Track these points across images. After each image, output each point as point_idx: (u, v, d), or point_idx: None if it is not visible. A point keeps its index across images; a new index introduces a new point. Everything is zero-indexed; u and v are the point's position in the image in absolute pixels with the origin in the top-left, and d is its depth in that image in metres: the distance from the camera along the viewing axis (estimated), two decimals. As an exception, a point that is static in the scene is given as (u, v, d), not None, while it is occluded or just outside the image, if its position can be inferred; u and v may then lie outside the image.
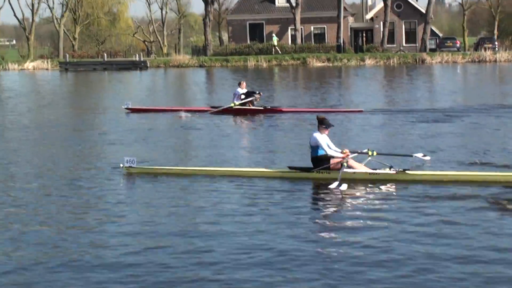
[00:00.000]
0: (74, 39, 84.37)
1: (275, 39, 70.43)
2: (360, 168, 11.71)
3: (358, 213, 9.72)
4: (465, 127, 19.01)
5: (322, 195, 10.93)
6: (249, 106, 22.92)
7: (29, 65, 68.14)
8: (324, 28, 72.85)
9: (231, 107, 22.81)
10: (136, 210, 10.17)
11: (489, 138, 16.51)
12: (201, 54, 69.70)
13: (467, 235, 8.51)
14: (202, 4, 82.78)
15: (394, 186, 11.11)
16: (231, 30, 74.24)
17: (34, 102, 31.87)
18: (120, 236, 8.81)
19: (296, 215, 9.65)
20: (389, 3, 68.74)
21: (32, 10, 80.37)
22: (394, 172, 11.48)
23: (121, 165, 12.53)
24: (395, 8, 70.90)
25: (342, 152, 11.85)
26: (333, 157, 11.68)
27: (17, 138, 18.73)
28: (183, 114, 22.71)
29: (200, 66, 63.05)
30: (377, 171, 11.65)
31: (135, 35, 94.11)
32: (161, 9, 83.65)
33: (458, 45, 65.91)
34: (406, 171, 11.49)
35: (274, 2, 73.84)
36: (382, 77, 44.42)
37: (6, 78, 54.11)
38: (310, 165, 12.02)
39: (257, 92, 23.25)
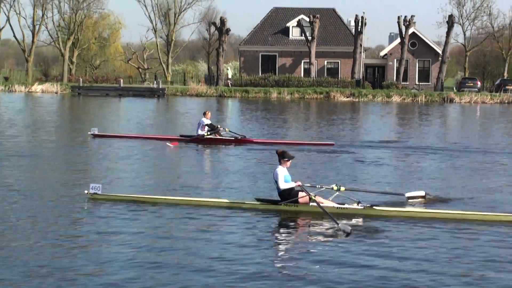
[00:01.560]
0: (72, 63, 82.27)
1: (229, 71, 69.97)
2: (327, 203, 11.65)
3: (320, 248, 9.56)
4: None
5: (288, 228, 10.83)
6: (217, 136, 23.02)
7: (37, 88, 65.76)
8: (338, 62, 72.19)
9: (203, 136, 22.71)
10: (97, 237, 9.93)
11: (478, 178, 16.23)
12: (212, 84, 68.23)
13: (429, 271, 8.49)
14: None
15: (361, 221, 11.07)
16: (243, 60, 73.01)
17: (34, 125, 30.04)
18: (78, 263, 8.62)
19: (259, 246, 9.55)
20: (406, 41, 68.49)
21: (33, 32, 78.18)
22: (362, 207, 11.54)
23: (86, 192, 12.46)
24: (410, 46, 70.63)
25: (295, 182, 11.81)
26: (291, 189, 11.71)
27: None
28: (169, 144, 22.02)
29: (220, 96, 61.49)
30: (345, 206, 11.67)
31: (129, 62, 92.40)
32: (167, 36, 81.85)
33: (478, 85, 65.67)
34: (374, 207, 11.55)
35: (288, 35, 72.97)
36: (439, 118, 43.35)
37: (13, 101, 51.72)
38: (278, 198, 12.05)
39: (218, 126, 23.47)
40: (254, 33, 74.07)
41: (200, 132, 22.83)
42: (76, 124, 31.48)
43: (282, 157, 11.92)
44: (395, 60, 71.77)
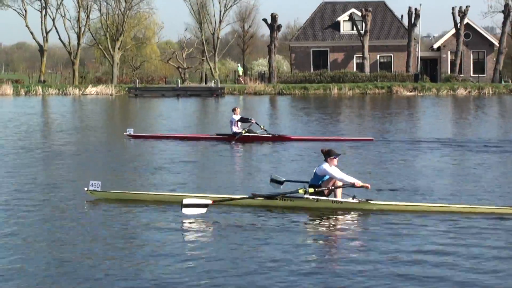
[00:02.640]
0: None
1: (240, 69, 69.22)
2: (323, 198, 11.58)
3: (319, 241, 9.75)
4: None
5: (283, 224, 10.66)
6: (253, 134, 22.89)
7: (91, 90, 65.28)
8: (391, 56, 71.17)
9: (241, 134, 22.46)
10: (96, 234, 10.03)
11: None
12: (264, 81, 67.43)
13: (427, 264, 8.48)
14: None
15: (356, 215, 11.13)
16: (294, 57, 72.17)
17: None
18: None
19: (259, 243, 9.49)
20: (461, 32, 67.40)
21: (78, 34, 77.65)
22: (357, 201, 11.55)
23: (86, 189, 12.51)
24: (464, 38, 69.41)
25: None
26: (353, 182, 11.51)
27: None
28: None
29: (279, 93, 60.71)
30: (340, 199, 11.61)
31: (169, 62, 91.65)
32: (212, 34, 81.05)
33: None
34: (369, 201, 11.56)
35: (339, 29, 72.01)
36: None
37: (80, 103, 51.16)
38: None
39: (250, 118, 23.27)
40: (304, 28, 73.18)
41: (234, 129, 22.64)
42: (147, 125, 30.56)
43: (329, 155, 11.68)
44: (449, 52, 70.65)
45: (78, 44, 77.91)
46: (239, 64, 70.27)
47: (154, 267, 8.40)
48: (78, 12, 77.28)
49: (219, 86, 61.35)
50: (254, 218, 10.98)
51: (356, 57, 70.76)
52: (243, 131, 22.47)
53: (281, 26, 69.53)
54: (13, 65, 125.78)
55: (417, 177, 15.21)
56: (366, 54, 67.46)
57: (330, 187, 11.53)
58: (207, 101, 52.83)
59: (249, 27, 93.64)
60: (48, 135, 26.46)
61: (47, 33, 75.65)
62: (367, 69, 67.17)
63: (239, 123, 22.70)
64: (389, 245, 9.29)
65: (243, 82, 65.77)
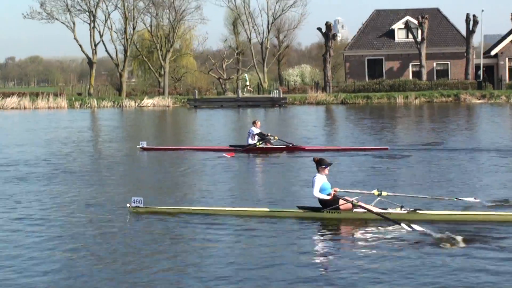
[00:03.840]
0: (160, 75, 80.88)
1: (246, 78, 68.30)
2: (369, 208, 11.45)
3: (368, 252, 9.53)
4: None
5: (331, 236, 10.73)
6: (267, 145, 22.87)
7: (148, 102, 64.35)
8: (448, 64, 69.90)
9: (255, 145, 22.50)
10: (139, 249, 10.02)
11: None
12: (319, 91, 66.23)
13: (480, 273, 8.37)
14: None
15: (406, 226, 10.65)
16: (349, 66, 71.01)
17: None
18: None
19: (305, 255, 9.45)
20: (523, 38, 66.05)
21: (125, 47, 76.76)
22: (405, 211, 11.41)
23: (128, 205, 12.55)
24: (522, 44, 68.07)
25: (332, 191, 11.71)
26: (326, 198, 11.60)
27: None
28: (225, 154, 21.87)
29: (342, 103, 59.52)
30: (388, 210, 11.48)
31: (210, 72, 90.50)
32: (261, 44, 80.00)
33: None
34: (417, 211, 11.41)
35: (393, 37, 70.85)
36: None
37: (145, 116, 50.02)
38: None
39: (268, 134, 23.17)
40: (357, 37, 72.07)
41: (250, 141, 22.66)
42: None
43: (320, 164, 11.84)
44: (507, 59, 69.29)
45: (125, 56, 76.99)
46: (246, 74, 69.53)
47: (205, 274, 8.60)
48: (125, 24, 76.38)
49: (281, 96, 60.17)
50: (300, 230, 10.99)
51: (412, 65, 69.57)
52: (257, 143, 22.51)
53: (336, 35, 68.55)
54: (27, 79, 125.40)
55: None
56: (424, 62, 66.23)
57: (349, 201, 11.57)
58: (271, 112, 51.59)
59: (284, 37, 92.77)
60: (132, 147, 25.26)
61: (95, 45, 74.84)
62: (424, 77, 65.92)
63: (256, 137, 22.67)
64: (438, 254, 9.26)
65: (251, 91, 65.11)
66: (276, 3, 76.79)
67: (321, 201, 11.69)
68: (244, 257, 9.42)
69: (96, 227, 11.43)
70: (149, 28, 78.76)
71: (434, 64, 69.68)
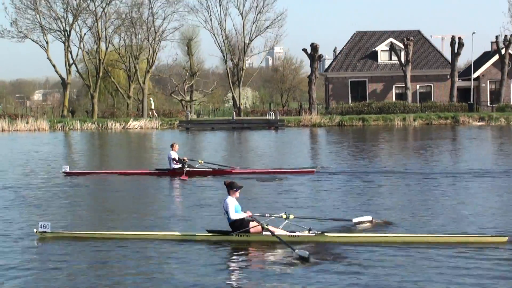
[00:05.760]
0: (129, 97, 78.47)
1: (152, 102, 68.72)
2: (278, 231, 11.77)
3: (277, 276, 9.81)
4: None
5: (240, 258, 11.00)
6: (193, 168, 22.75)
7: (134, 124, 61.96)
8: (431, 86, 70.12)
9: (179, 169, 22.37)
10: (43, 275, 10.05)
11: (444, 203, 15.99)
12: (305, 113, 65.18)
13: None
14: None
15: (313, 248, 11.12)
16: (331, 87, 70.34)
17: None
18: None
19: (210, 278, 9.75)
20: (506, 61, 66.90)
21: (98, 67, 73.85)
22: (313, 234, 11.74)
23: (35, 230, 12.50)
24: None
25: (245, 212, 12.03)
26: (242, 219, 11.85)
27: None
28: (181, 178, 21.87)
29: (339, 125, 58.63)
30: (296, 233, 11.83)
31: (172, 94, 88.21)
32: (236, 65, 78.24)
33: None
34: (325, 233, 11.79)
35: (376, 59, 70.68)
36: None
37: (144, 139, 47.88)
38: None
39: (184, 158, 22.97)
40: (340, 58, 71.53)
41: (173, 165, 22.59)
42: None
43: (231, 187, 12.10)
44: (488, 81, 70.06)
45: (97, 76, 74.04)
46: (151, 98, 69.32)
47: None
48: (98, 44, 73.60)
49: (278, 118, 58.84)
50: (213, 255, 11.14)
51: (395, 87, 69.50)
52: (186, 167, 22.28)
53: (322, 56, 67.75)
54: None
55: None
56: (409, 84, 66.14)
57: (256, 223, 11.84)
58: (269, 134, 50.09)
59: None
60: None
61: (69, 65, 71.82)
62: (410, 99, 65.81)
63: (174, 161, 22.56)
64: (351, 275, 9.73)
65: (155, 115, 65.82)
66: (253, 24, 75.23)
67: (232, 224, 11.85)
68: (152, 281, 9.60)
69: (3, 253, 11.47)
70: (122, 48, 76.37)
71: (418, 87, 69.79)
